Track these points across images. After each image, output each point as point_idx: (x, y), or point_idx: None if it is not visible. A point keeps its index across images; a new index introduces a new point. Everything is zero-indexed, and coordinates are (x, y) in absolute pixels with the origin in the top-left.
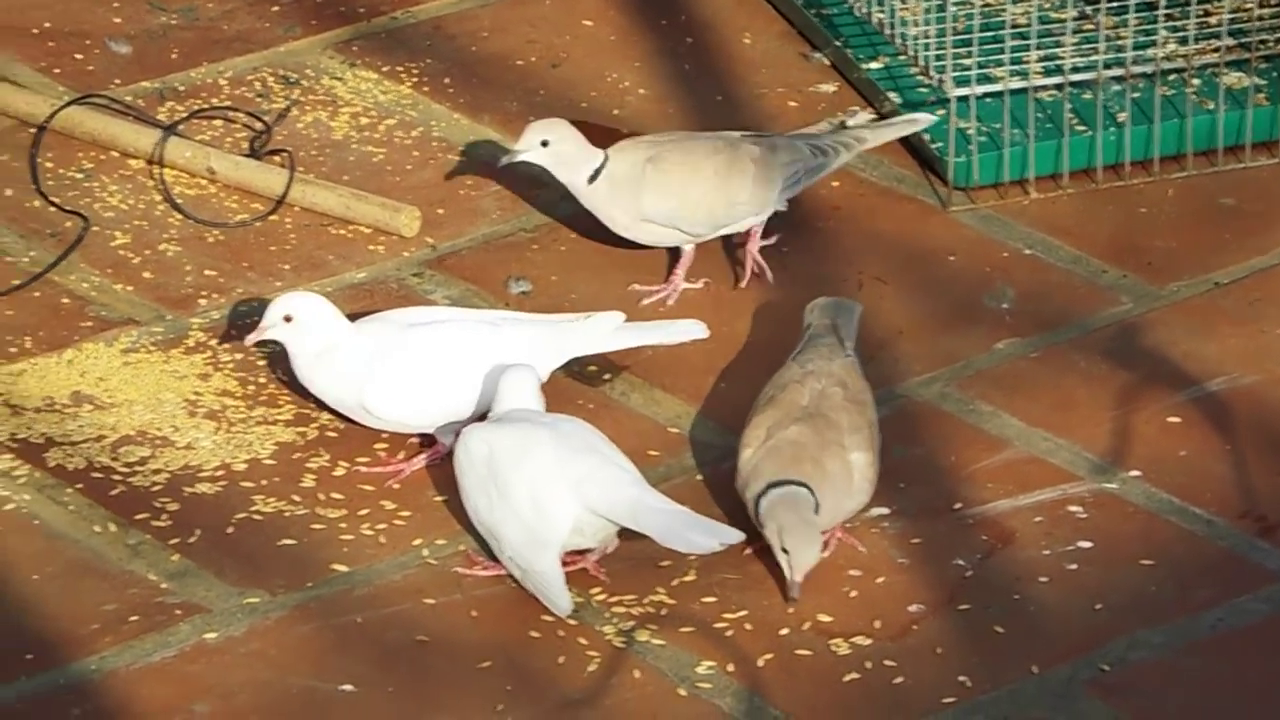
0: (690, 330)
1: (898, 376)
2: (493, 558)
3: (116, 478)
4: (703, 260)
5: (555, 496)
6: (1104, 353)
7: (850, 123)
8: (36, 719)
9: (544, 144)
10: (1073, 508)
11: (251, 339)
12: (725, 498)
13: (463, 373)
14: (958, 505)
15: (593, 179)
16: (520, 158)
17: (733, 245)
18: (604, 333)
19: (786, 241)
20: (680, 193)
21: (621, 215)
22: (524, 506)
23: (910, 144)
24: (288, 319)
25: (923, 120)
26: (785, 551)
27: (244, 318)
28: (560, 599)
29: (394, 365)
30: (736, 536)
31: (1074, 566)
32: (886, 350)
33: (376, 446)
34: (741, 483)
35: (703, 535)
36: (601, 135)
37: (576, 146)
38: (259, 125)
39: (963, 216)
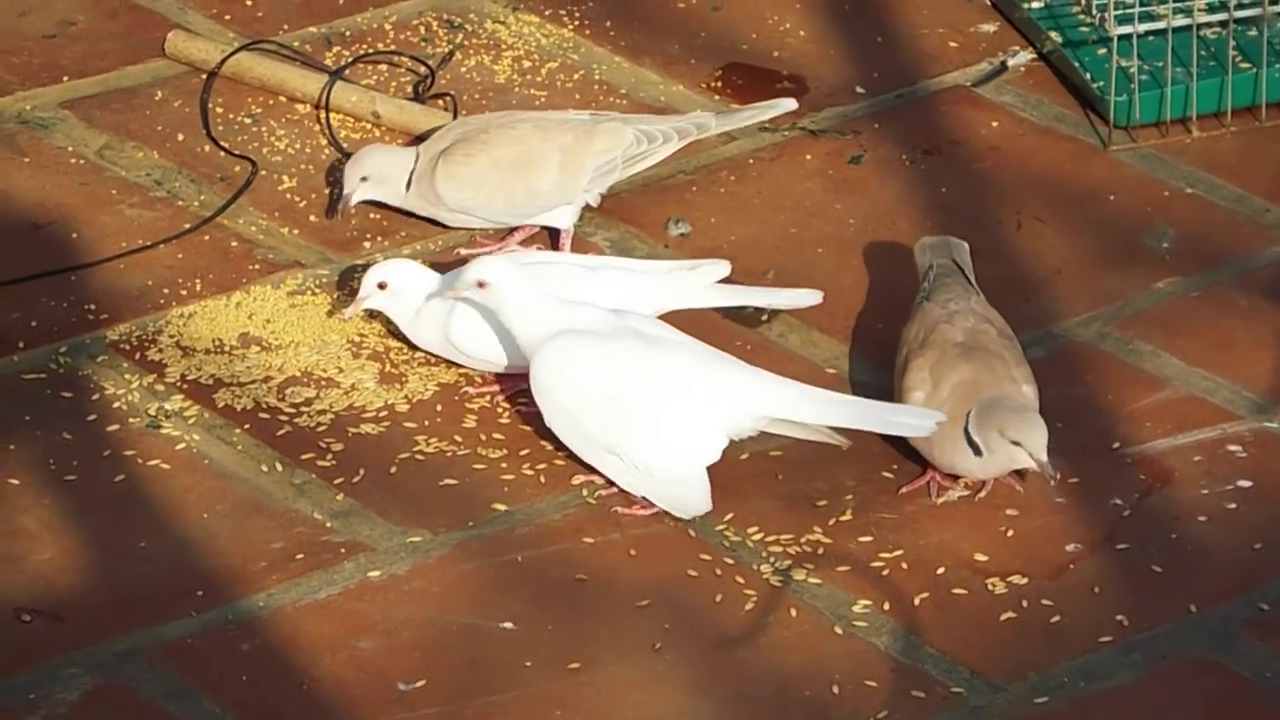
0: (803, 297)
1: (1056, 316)
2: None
3: (283, 418)
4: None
5: (709, 408)
6: (1265, 292)
7: (1010, 63)
8: (207, 654)
9: (363, 179)
10: (1232, 447)
11: (351, 311)
12: (882, 438)
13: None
14: (1116, 445)
15: (409, 185)
16: (349, 203)
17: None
18: (704, 286)
19: (945, 183)
20: (475, 182)
21: (439, 210)
22: (666, 422)
23: (1071, 83)
24: (382, 286)
25: (783, 105)
26: (1018, 444)
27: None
28: (702, 502)
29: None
30: (943, 416)
31: (1233, 505)
32: (1045, 290)
33: None
34: None
35: (913, 417)
36: (762, 78)
37: (385, 167)
38: (423, 69)
39: (1123, 156)
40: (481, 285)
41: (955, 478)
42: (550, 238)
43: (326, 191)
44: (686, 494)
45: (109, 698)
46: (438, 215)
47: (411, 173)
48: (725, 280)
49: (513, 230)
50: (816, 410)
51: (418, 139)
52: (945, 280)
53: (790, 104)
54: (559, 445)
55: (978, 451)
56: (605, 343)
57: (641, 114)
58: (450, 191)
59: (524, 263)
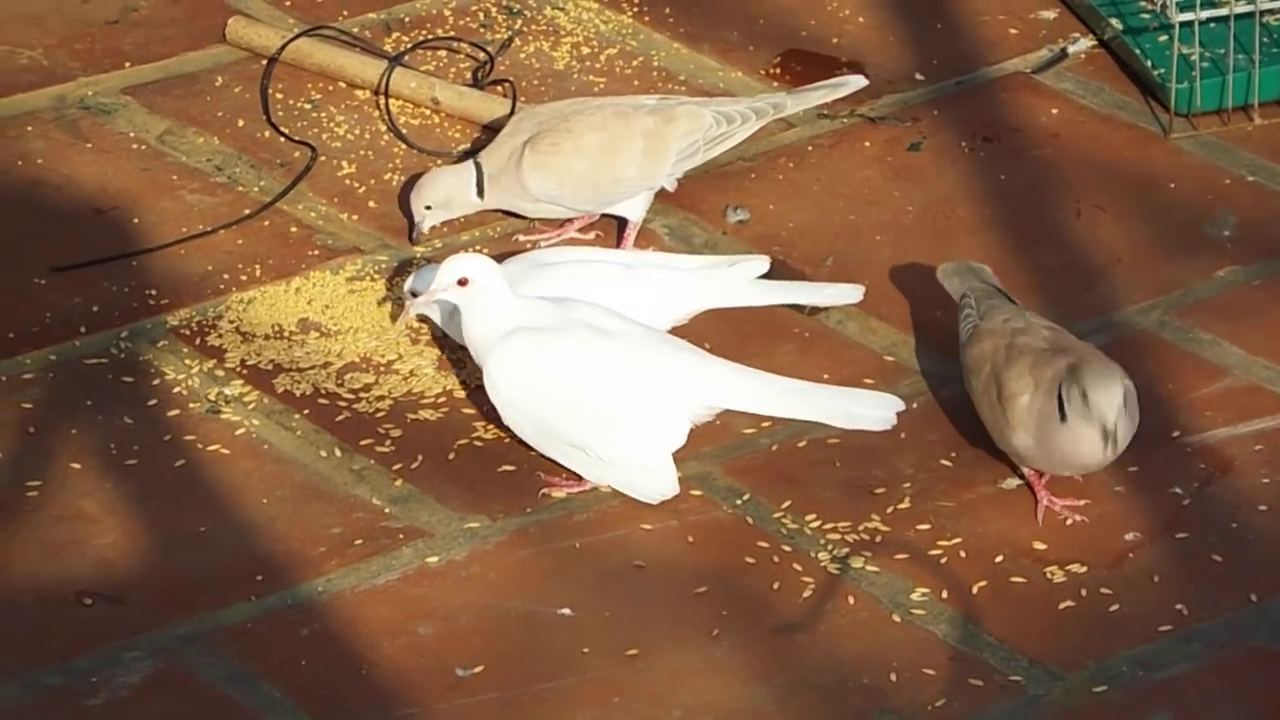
0: (845, 293)
1: (1116, 304)
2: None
3: (342, 403)
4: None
5: (672, 399)
6: None
7: (1071, 50)
8: (267, 638)
9: (428, 208)
10: None
11: (421, 304)
12: (942, 425)
13: None
14: (1176, 433)
15: (480, 192)
16: (422, 231)
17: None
18: (743, 285)
19: (1004, 170)
20: (562, 171)
21: (522, 203)
22: (629, 414)
23: (1132, 70)
24: (462, 282)
25: (853, 83)
26: (1085, 399)
27: (465, 246)
28: (668, 487)
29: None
30: (900, 404)
31: None
32: (1105, 278)
33: None
34: (1022, 432)
35: (876, 407)
36: (820, 65)
37: (446, 189)
38: (482, 55)
39: (1184, 143)
40: (462, 283)
41: (1079, 501)
42: (616, 226)
43: (386, 177)
44: (654, 481)
45: (169, 681)
46: (521, 209)
47: (479, 178)
48: (767, 275)
49: (571, 219)
50: (774, 401)
51: (467, 153)
52: (990, 303)
53: (860, 81)
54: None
55: (1063, 415)
56: (559, 338)
57: (704, 97)
58: (538, 182)
59: (551, 262)
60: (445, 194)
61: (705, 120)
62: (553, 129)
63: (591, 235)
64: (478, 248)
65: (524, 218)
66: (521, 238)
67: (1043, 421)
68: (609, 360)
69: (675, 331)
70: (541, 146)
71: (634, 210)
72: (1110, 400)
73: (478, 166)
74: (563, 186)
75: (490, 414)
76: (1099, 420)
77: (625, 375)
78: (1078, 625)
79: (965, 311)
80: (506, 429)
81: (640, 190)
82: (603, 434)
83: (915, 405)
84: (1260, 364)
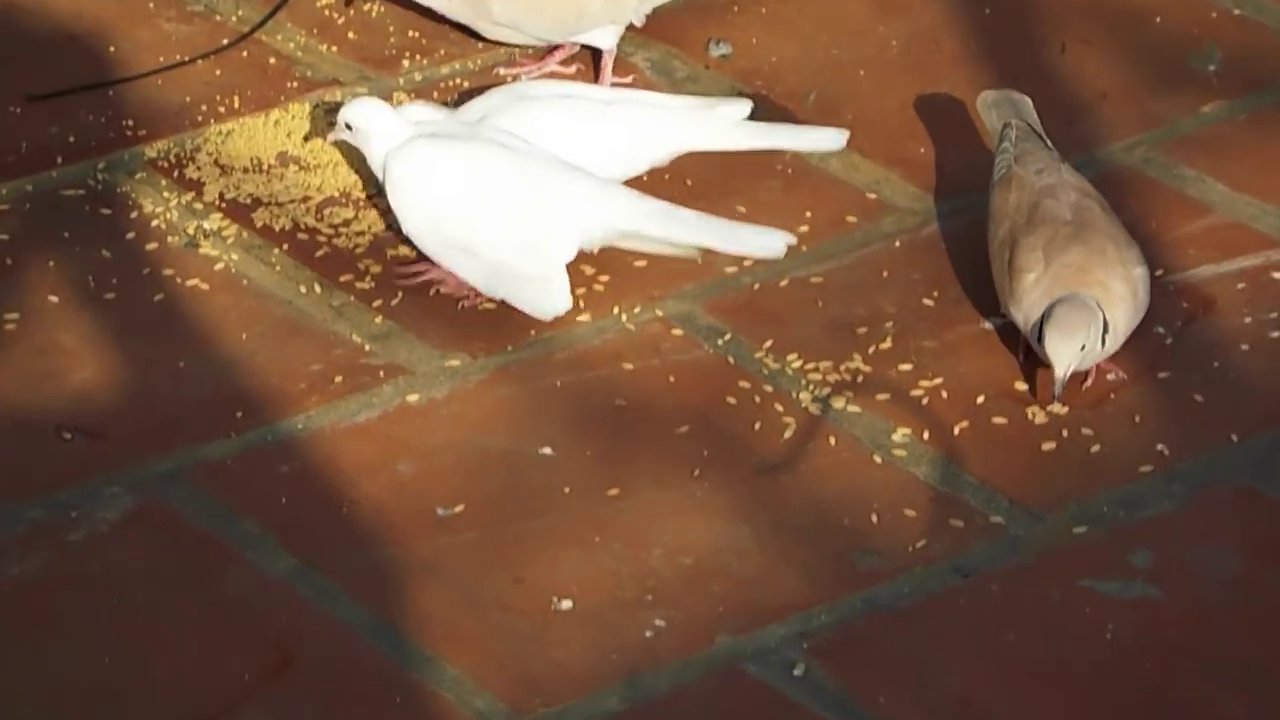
0: (828, 138)
1: (1100, 141)
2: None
3: (321, 238)
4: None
5: (565, 213)
6: None
7: None
8: (246, 475)
9: None
10: (1276, 274)
11: (330, 139)
12: (925, 263)
13: (568, 149)
14: (1159, 271)
15: None
16: None
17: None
18: (724, 128)
19: (989, 4)
20: None
21: (481, 21)
22: (523, 221)
23: None
24: (348, 127)
25: None
26: (1039, 342)
27: (446, 79)
28: (561, 302)
29: (501, 131)
30: (790, 238)
31: (1276, 334)
32: (1089, 114)
33: None
34: (1024, 306)
35: (761, 235)
36: None
37: None
38: None
39: None
40: (349, 128)
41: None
42: (592, 58)
43: (366, 8)
44: (547, 292)
45: (149, 517)
46: (478, 27)
47: None
48: (750, 116)
49: (553, 49)
50: (663, 225)
51: None
52: (1026, 145)
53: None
54: (598, 270)
55: (1039, 338)
56: (461, 144)
57: None
58: (500, 3)
59: (532, 95)
60: None
61: None
62: None
63: (572, 69)
64: (458, 80)
65: (507, 47)
66: (502, 70)
67: (1034, 321)
68: (505, 168)
69: (655, 171)
70: None
71: (604, 40)
72: (1062, 349)
73: None
74: (526, 12)
75: None
76: (1050, 364)
77: (519, 182)
78: (1060, 466)
79: (1003, 145)
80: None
81: (604, 23)
82: (494, 238)
83: (898, 244)
84: (1244, 201)
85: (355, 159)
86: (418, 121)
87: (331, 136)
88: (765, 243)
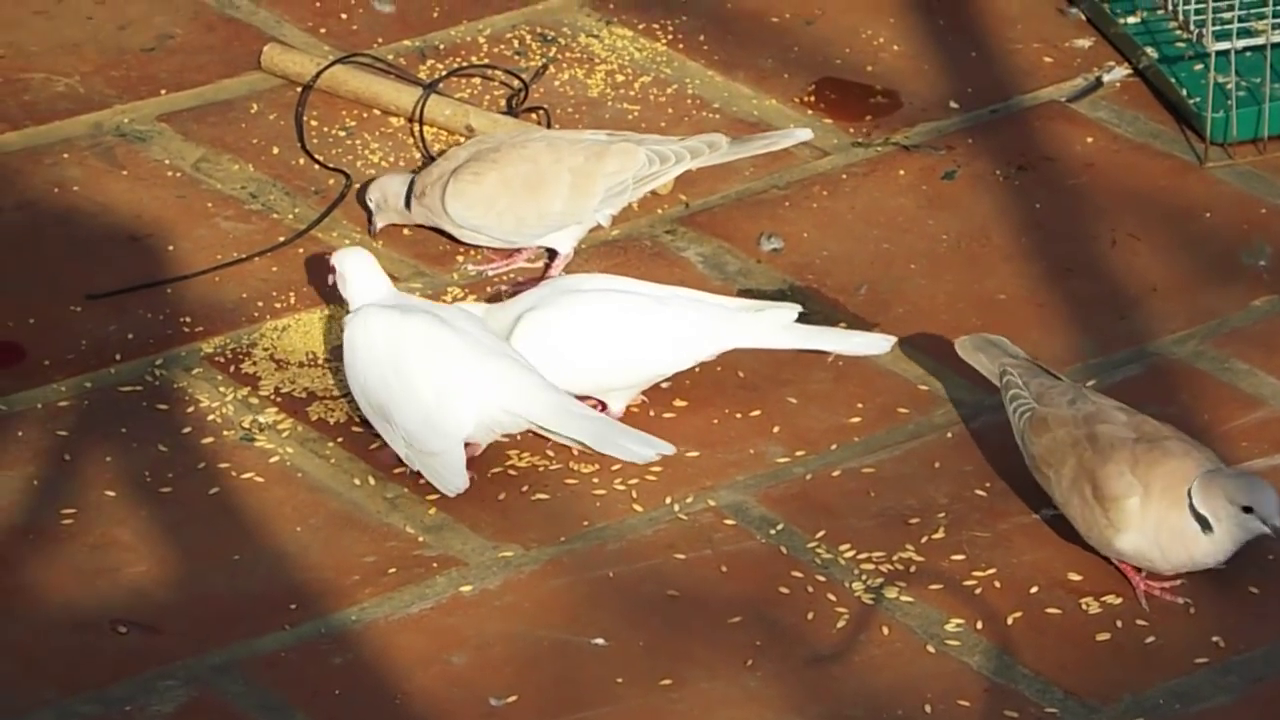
0: (874, 343)
1: (1151, 334)
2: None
3: (375, 432)
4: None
5: (463, 391)
6: None
7: (1106, 78)
8: (300, 667)
9: (373, 207)
10: None
11: (330, 280)
12: (976, 455)
13: (612, 340)
14: None
15: (408, 202)
16: (373, 230)
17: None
18: (772, 329)
19: (1039, 198)
20: (485, 202)
21: (449, 228)
22: (426, 396)
23: (1167, 99)
24: (332, 271)
25: (798, 135)
26: (1249, 510)
27: (500, 274)
28: (456, 479)
29: (541, 319)
30: (669, 448)
31: None
32: (1140, 308)
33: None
34: (1137, 529)
35: (637, 444)
36: (855, 93)
37: (386, 190)
38: (516, 83)
39: (1220, 172)
40: (332, 272)
41: (1176, 579)
42: (549, 258)
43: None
44: (446, 469)
45: (203, 710)
46: (447, 230)
47: (409, 189)
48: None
49: (520, 249)
50: (551, 418)
51: (431, 157)
52: (1041, 381)
53: (805, 134)
54: (652, 461)
55: (1206, 527)
56: (394, 315)
57: (654, 135)
58: (460, 209)
59: (577, 289)
60: (380, 195)
61: (638, 159)
62: (480, 158)
63: (540, 264)
64: (511, 274)
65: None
66: (471, 267)
67: (1170, 531)
68: (426, 340)
69: (704, 366)
70: (464, 175)
71: (563, 243)
72: (1272, 502)
73: (411, 180)
74: (485, 217)
75: (524, 443)
76: (1271, 526)
77: (431, 357)
78: (1114, 657)
79: (1012, 391)
80: (544, 456)
81: (567, 225)
82: (399, 409)
83: (950, 435)
84: None
85: None
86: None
87: (331, 278)
88: (639, 451)
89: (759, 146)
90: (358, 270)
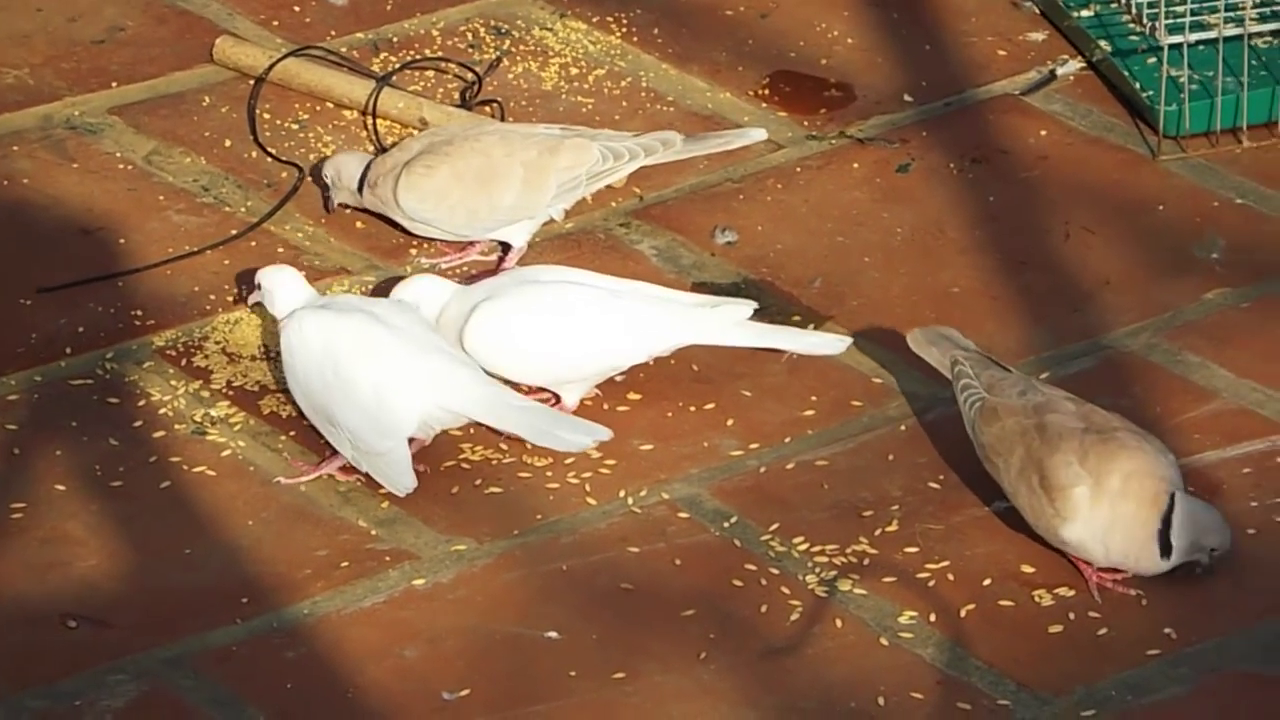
0: (829, 343)
1: (1104, 327)
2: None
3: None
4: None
5: (403, 390)
6: None
7: (1060, 71)
8: (252, 661)
9: (329, 183)
10: None
11: (249, 300)
12: (929, 448)
13: (567, 332)
14: None
15: (360, 188)
16: (329, 205)
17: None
18: (727, 326)
19: (993, 191)
20: (436, 195)
21: (400, 218)
22: (367, 396)
23: (1121, 93)
24: (257, 286)
25: (752, 135)
26: (1214, 550)
27: (453, 267)
28: (403, 478)
29: (495, 310)
30: (606, 433)
31: None
32: (1093, 300)
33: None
34: (1083, 520)
35: (573, 432)
36: (809, 86)
37: (343, 170)
38: (470, 76)
39: (1173, 165)
40: (256, 289)
41: (1116, 570)
42: (501, 250)
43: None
44: (392, 469)
45: (154, 704)
46: (399, 221)
47: (364, 175)
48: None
49: (473, 241)
50: (489, 413)
51: (384, 147)
52: (991, 373)
53: (759, 134)
54: (604, 454)
55: (1167, 554)
56: (331, 314)
57: (608, 130)
58: (411, 202)
59: (536, 280)
60: (334, 173)
61: (591, 154)
62: (433, 150)
63: (493, 257)
64: (464, 268)
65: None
66: (425, 261)
67: (1123, 533)
68: (362, 340)
69: (658, 359)
70: (416, 168)
71: (516, 237)
72: (1229, 544)
73: (368, 165)
74: (437, 210)
75: (477, 435)
76: (1210, 563)
77: (369, 357)
78: (1067, 649)
79: (963, 381)
80: (497, 450)
81: (520, 219)
82: (340, 410)
83: (904, 428)
84: (1249, 386)
85: None
86: (325, 296)
87: (251, 298)
88: (575, 439)
89: (713, 145)
90: (282, 283)
